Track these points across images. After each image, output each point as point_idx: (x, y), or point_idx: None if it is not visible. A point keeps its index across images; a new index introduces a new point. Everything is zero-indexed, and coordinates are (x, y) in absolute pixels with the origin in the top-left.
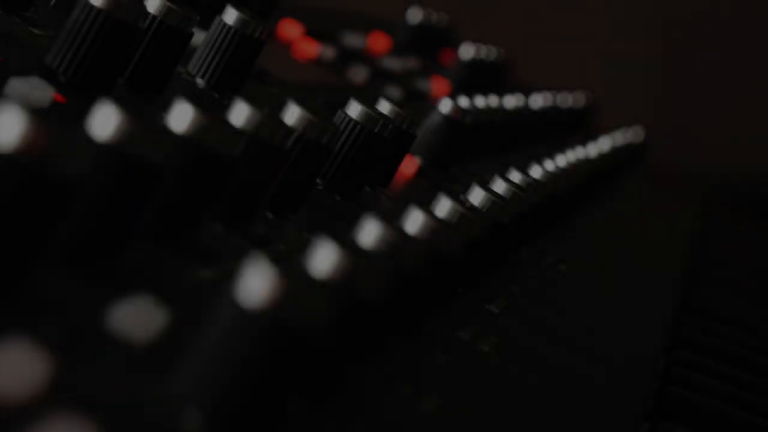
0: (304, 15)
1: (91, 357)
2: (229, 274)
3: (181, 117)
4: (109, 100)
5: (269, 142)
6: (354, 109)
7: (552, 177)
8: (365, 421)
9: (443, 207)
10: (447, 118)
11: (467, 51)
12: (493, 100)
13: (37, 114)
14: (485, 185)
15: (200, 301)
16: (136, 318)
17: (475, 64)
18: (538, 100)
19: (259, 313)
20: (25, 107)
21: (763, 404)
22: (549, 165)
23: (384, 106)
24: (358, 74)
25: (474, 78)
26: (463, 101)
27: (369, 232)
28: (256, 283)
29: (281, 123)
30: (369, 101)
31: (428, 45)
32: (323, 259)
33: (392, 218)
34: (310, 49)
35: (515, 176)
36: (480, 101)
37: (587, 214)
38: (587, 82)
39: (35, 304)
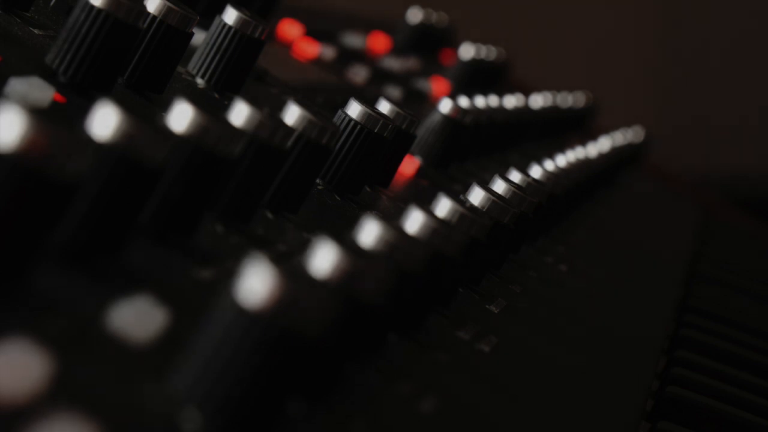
0: (304, 15)
1: (91, 357)
2: (229, 274)
3: (181, 117)
4: (109, 100)
5: (269, 142)
6: (354, 109)
7: (552, 177)
8: (365, 421)
9: (443, 207)
10: (447, 118)
11: (467, 51)
12: (493, 100)
13: (37, 114)
14: (485, 185)
15: (200, 301)
16: (136, 318)
17: (475, 64)
18: (538, 100)
19: (259, 313)
20: (25, 107)
21: (762, 404)
22: (549, 165)
23: (384, 106)
24: (358, 74)
25: (474, 78)
26: (463, 101)
27: (369, 232)
28: (256, 283)
29: (281, 123)
30: (369, 101)
31: (428, 45)
32: (323, 259)
33: (392, 218)
34: (310, 49)
35: (515, 176)
36: (480, 101)
37: (587, 214)
38: (587, 82)
39: (35, 303)
